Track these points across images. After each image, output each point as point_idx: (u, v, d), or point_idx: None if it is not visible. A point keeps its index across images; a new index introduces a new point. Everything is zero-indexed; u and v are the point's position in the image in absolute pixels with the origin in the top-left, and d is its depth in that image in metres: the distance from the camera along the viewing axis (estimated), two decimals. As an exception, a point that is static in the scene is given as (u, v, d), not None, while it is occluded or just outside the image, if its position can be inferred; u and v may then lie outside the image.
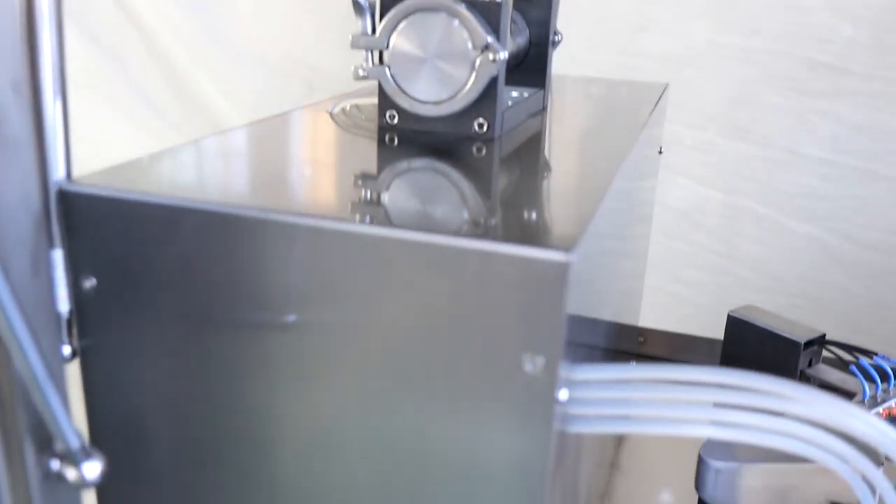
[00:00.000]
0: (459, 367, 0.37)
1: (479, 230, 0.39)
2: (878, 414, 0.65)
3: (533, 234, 0.40)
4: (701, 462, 0.59)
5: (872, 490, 0.43)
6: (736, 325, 0.73)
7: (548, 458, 0.37)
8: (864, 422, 0.38)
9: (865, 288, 1.26)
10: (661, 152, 0.90)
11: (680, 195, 1.33)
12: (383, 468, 0.41)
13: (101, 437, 0.45)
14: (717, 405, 0.38)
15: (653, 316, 1.05)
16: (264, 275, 0.40)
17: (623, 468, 0.92)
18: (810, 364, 0.71)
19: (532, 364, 0.35)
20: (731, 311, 0.74)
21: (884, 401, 0.65)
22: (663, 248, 1.27)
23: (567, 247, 0.34)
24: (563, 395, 0.36)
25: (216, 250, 0.40)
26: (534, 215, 0.43)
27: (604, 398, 0.39)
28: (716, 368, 0.38)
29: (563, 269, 0.34)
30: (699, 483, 0.59)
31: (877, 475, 0.43)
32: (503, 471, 0.38)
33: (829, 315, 1.24)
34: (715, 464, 0.57)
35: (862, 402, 0.64)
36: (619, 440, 0.95)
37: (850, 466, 0.42)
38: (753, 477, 0.56)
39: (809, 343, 0.69)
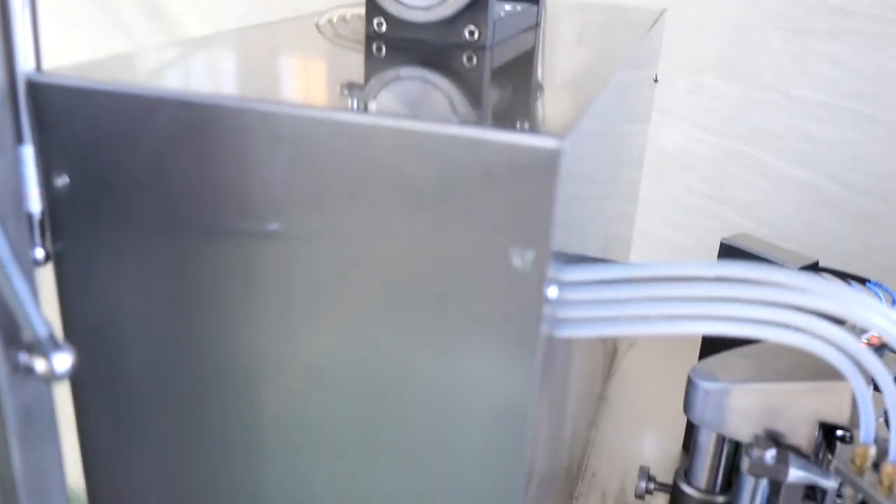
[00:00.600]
0: (447, 264, 0.36)
1: (468, 121, 0.38)
2: (867, 340, 0.64)
3: (524, 125, 0.39)
4: (690, 383, 0.58)
5: (869, 380, 0.42)
6: (728, 253, 0.72)
7: (536, 360, 0.36)
8: (867, 306, 0.38)
9: (858, 234, 1.26)
10: (656, 81, 0.88)
11: (672, 138, 1.31)
12: (368, 375, 0.40)
13: (76, 346, 0.44)
14: (714, 300, 0.37)
15: (642, 259, 1.05)
16: (244, 172, 0.38)
17: (611, 399, 0.92)
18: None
19: (520, 258, 0.34)
20: (724, 239, 0.73)
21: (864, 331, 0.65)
22: (654, 192, 1.26)
23: (559, 134, 0.32)
24: (551, 292, 0.35)
25: (194, 145, 0.38)
26: (525, 112, 0.42)
27: (595, 299, 0.38)
28: (711, 262, 0.37)
29: (554, 156, 0.32)
30: (688, 405, 0.58)
31: (876, 363, 0.42)
32: (490, 376, 0.37)
33: (820, 260, 1.24)
34: (704, 384, 0.57)
35: (853, 327, 0.63)
36: (608, 371, 0.95)
37: (849, 357, 0.41)
38: (742, 397, 0.55)
39: (802, 270, 0.68)
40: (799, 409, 0.54)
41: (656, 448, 0.65)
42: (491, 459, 0.39)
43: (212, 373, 0.43)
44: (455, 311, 0.37)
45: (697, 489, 0.62)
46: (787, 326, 0.40)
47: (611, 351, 1.01)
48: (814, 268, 0.70)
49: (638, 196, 1.00)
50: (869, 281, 0.67)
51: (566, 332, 0.39)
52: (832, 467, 0.48)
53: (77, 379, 0.45)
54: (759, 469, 0.52)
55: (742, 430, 0.55)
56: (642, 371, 0.96)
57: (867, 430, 0.46)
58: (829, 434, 0.53)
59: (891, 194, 1.25)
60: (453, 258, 0.35)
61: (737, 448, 0.59)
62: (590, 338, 0.41)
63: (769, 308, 0.38)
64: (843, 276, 0.68)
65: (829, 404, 0.53)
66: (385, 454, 0.42)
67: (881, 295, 0.67)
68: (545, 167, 0.32)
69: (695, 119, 1.31)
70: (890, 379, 0.43)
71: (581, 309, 0.39)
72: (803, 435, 0.54)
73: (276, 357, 0.41)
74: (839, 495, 0.51)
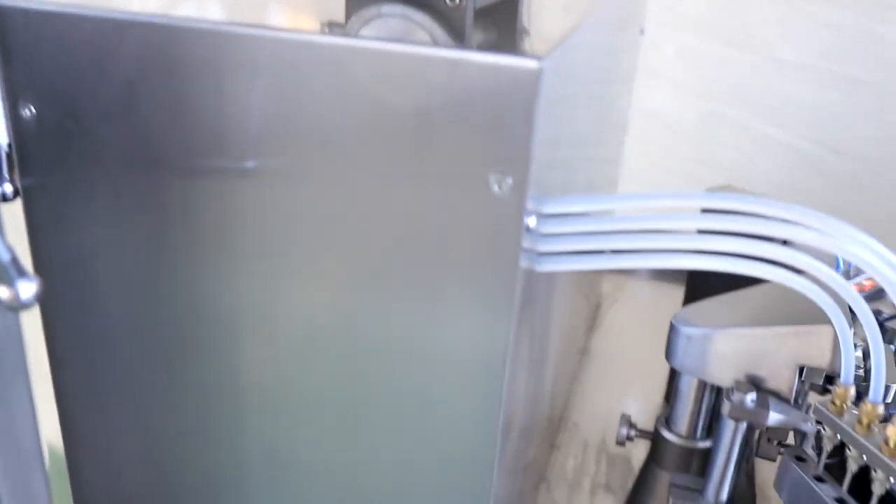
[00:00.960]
0: (425, 193, 0.35)
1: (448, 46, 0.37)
2: (860, 283, 0.64)
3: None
4: (672, 329, 0.58)
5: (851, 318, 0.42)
6: (711, 204, 0.71)
7: (515, 293, 0.35)
8: (856, 239, 0.37)
9: (840, 195, 1.26)
10: (642, 33, 0.87)
11: (656, 99, 1.31)
12: (343, 316, 0.39)
13: (48, 285, 0.43)
14: (701, 232, 0.36)
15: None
16: (220, 101, 0.37)
17: (594, 353, 0.92)
18: (785, 243, 0.70)
19: (499, 185, 0.33)
20: (709, 189, 0.73)
21: (857, 274, 0.64)
22: (637, 154, 1.26)
23: (539, 56, 0.32)
24: (531, 222, 0.34)
25: (166, 73, 0.37)
26: (508, 45, 0.41)
27: (577, 231, 0.38)
28: (697, 193, 0.36)
29: (534, 76, 0.31)
30: (669, 351, 0.58)
31: (857, 298, 0.42)
32: (469, 313, 0.37)
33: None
34: (686, 330, 0.57)
35: (847, 273, 0.63)
36: (592, 325, 0.95)
37: (830, 294, 0.41)
38: (724, 342, 0.55)
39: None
40: (780, 354, 0.54)
41: (638, 399, 0.65)
42: (469, 405, 0.39)
43: (186, 314, 0.42)
44: (433, 243, 0.36)
45: (678, 435, 0.62)
46: (770, 262, 0.39)
47: (594, 305, 1.01)
48: (797, 217, 0.70)
49: (621, 157, 0.99)
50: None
51: (547, 267, 0.39)
52: (812, 408, 0.48)
53: (49, 319, 0.44)
54: (739, 413, 0.52)
55: (723, 375, 0.55)
56: (625, 325, 0.96)
57: (847, 369, 0.46)
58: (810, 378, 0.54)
59: (873, 156, 1.25)
60: (431, 187, 0.35)
61: (717, 394, 0.59)
62: (571, 272, 0.40)
63: (754, 242, 0.38)
64: (826, 225, 0.68)
65: (809, 348, 0.52)
66: (363, 406, 0.41)
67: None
68: (525, 89, 0.32)
69: (679, 81, 1.30)
70: (871, 315, 0.43)
71: (562, 242, 0.38)
72: (784, 379, 0.54)
73: (250, 298, 0.41)
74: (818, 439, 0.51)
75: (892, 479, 0.43)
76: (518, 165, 0.33)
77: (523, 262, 0.35)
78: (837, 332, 0.45)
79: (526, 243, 0.35)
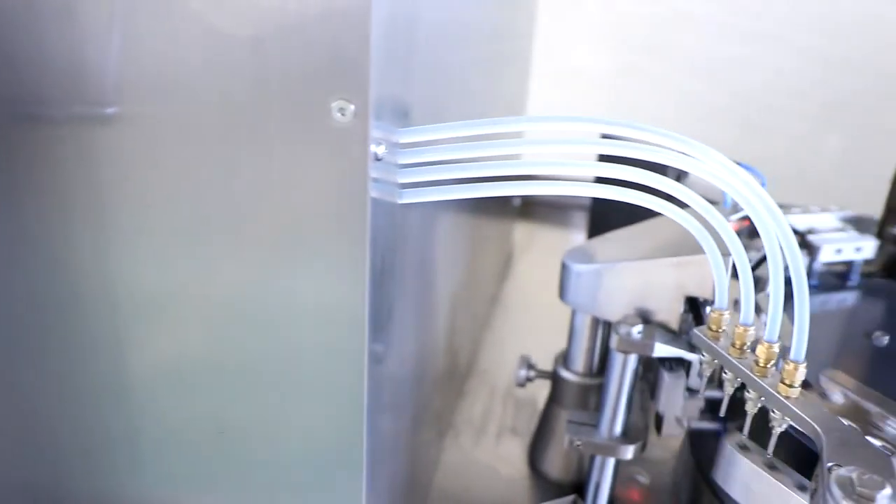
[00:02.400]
0: (269, 126, 0.33)
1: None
2: (739, 219, 0.65)
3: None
4: (563, 268, 0.58)
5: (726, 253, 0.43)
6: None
7: (366, 224, 0.34)
8: (731, 172, 0.37)
9: (754, 146, 1.28)
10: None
11: (575, 56, 1.31)
12: (192, 258, 0.38)
13: None
14: (562, 159, 0.36)
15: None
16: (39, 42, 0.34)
17: (505, 301, 0.92)
18: (679, 178, 0.71)
19: (342, 112, 0.32)
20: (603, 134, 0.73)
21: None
22: (558, 105, 1.26)
23: (374, -27, 0.30)
24: (379, 150, 0.33)
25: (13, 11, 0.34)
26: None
27: (438, 160, 0.37)
28: (564, 115, 0.35)
29: (367, -4, 0.30)
30: (562, 289, 0.58)
31: (725, 226, 0.42)
32: (324, 249, 0.35)
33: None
34: (576, 267, 0.57)
35: (724, 209, 0.64)
36: (503, 274, 0.95)
37: (700, 220, 0.41)
38: (612, 277, 0.55)
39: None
40: (665, 285, 0.54)
41: (547, 344, 0.65)
42: (334, 356, 0.38)
43: (32, 276, 0.40)
44: (282, 183, 0.34)
45: (575, 373, 0.62)
46: (649, 191, 0.39)
47: (506, 255, 1.01)
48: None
49: (526, 103, 0.99)
50: (741, 163, 0.67)
51: (410, 198, 0.38)
52: (691, 334, 0.48)
53: None
54: (626, 346, 0.53)
55: (613, 310, 0.56)
56: (536, 273, 0.97)
57: (720, 295, 0.46)
58: (695, 308, 0.54)
59: (782, 110, 1.27)
60: (275, 120, 0.33)
61: (610, 330, 0.59)
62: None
63: (610, 167, 0.38)
64: (717, 160, 0.69)
65: (692, 277, 0.53)
66: (229, 377, 0.40)
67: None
68: (358, 8, 0.30)
69: (598, 34, 1.30)
70: (738, 242, 0.43)
71: (424, 172, 0.37)
72: (671, 311, 0.55)
73: (96, 255, 0.39)
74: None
75: (762, 399, 0.44)
76: (359, 91, 0.32)
77: (375, 193, 0.34)
78: (709, 257, 0.45)
79: (376, 173, 0.34)
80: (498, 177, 0.38)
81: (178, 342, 0.40)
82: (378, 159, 0.33)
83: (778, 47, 1.25)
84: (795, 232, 0.72)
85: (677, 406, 0.52)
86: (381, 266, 0.37)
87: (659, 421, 0.54)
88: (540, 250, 1.03)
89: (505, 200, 0.94)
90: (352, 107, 0.32)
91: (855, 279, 0.69)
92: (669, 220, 0.44)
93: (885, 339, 0.59)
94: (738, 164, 0.67)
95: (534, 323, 0.79)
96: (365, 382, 0.38)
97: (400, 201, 0.38)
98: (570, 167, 0.38)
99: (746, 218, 0.68)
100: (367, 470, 0.40)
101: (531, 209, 1.14)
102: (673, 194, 0.41)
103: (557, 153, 0.38)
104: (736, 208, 0.65)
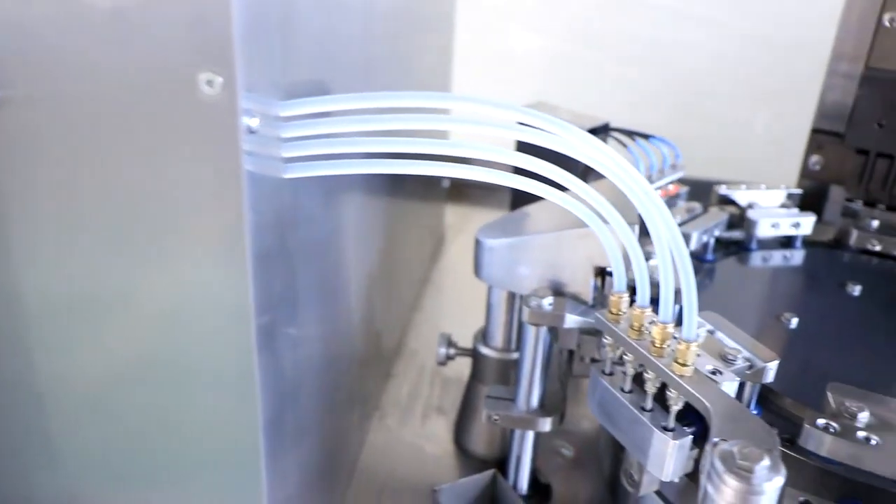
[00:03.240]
0: (137, 103, 0.33)
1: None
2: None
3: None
4: (477, 244, 0.58)
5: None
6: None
7: (240, 195, 0.33)
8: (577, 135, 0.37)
9: (685, 129, 1.30)
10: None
11: (508, 38, 1.31)
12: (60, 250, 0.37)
13: None
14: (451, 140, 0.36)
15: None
16: None
17: (436, 282, 0.92)
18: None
19: (209, 85, 0.31)
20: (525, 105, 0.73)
21: (660, 178, 0.66)
22: (488, 91, 1.26)
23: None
24: (253, 122, 0.33)
25: None
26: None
27: (324, 133, 0.36)
28: (466, 96, 0.35)
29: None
30: (477, 266, 0.58)
31: (610, 211, 0.42)
32: (201, 235, 0.35)
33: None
34: (488, 242, 0.57)
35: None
36: (434, 256, 0.95)
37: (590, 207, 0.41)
38: (523, 250, 0.56)
39: (593, 131, 0.69)
40: (575, 257, 0.54)
41: (475, 325, 0.65)
42: (221, 345, 0.37)
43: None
44: (155, 161, 0.34)
45: (494, 349, 0.63)
46: (537, 178, 0.39)
47: (437, 238, 1.01)
48: (605, 129, 0.71)
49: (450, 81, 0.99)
50: (653, 136, 0.68)
51: (295, 172, 0.37)
52: (593, 316, 0.49)
53: None
54: (537, 318, 0.53)
55: (526, 284, 0.56)
56: (469, 256, 0.97)
57: (618, 278, 0.47)
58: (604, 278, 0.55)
59: (718, 93, 1.28)
60: (141, 95, 0.32)
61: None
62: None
63: (518, 155, 0.38)
64: (630, 134, 0.70)
65: (599, 249, 0.53)
66: (128, 371, 0.39)
67: (665, 150, 0.68)
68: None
69: (531, 20, 1.30)
70: (625, 225, 0.43)
71: (308, 146, 0.37)
72: (582, 283, 0.55)
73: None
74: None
75: (659, 378, 0.44)
76: (225, 63, 0.31)
77: (251, 166, 0.33)
78: (602, 243, 0.46)
79: (251, 146, 0.33)
80: (395, 154, 0.38)
81: (73, 340, 0.39)
82: (252, 132, 0.33)
83: (714, 31, 1.26)
84: (737, 206, 0.73)
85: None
86: (269, 246, 0.37)
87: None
88: (473, 232, 1.03)
89: (430, 181, 0.93)
90: (219, 79, 0.31)
91: (796, 249, 0.72)
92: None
93: (794, 321, 0.61)
94: (653, 137, 0.68)
95: (464, 303, 0.79)
96: (255, 369, 0.37)
97: (285, 175, 0.37)
98: (464, 149, 0.38)
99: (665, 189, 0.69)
100: (267, 456, 0.40)
101: (464, 192, 1.14)
102: (555, 179, 0.41)
103: (439, 128, 0.38)
104: (650, 179, 0.66)
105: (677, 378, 0.42)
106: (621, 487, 0.60)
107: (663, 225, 0.41)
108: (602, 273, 0.55)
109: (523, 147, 0.39)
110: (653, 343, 0.44)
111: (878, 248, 0.71)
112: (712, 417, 0.40)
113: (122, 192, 0.35)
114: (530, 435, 0.59)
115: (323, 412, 0.52)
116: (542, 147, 0.38)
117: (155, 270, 0.36)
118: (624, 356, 0.46)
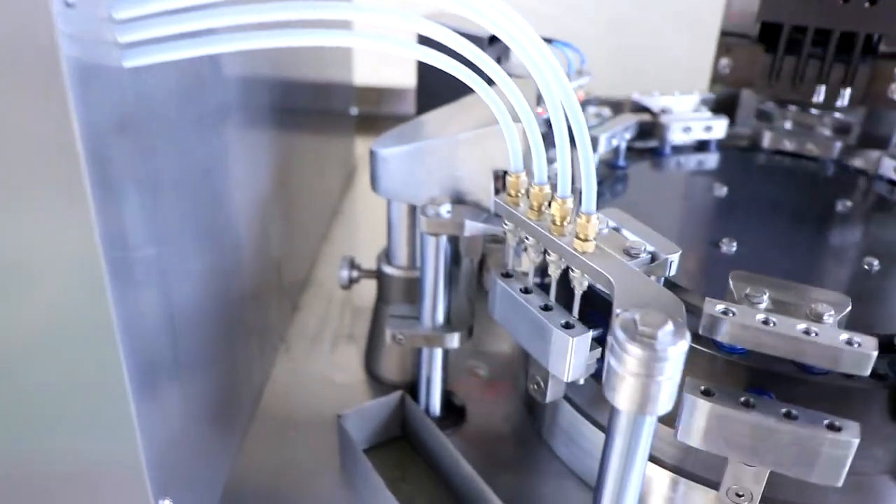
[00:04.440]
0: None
1: None
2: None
3: None
4: (372, 156, 0.54)
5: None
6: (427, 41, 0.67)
7: (63, 87, 0.29)
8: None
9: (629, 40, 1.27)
10: None
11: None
12: None
13: None
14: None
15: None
16: None
17: (346, 214, 0.89)
18: (499, 60, 0.68)
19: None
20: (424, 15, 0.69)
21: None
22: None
23: None
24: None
25: None
26: None
27: (164, 10, 0.32)
28: None
29: None
30: (373, 179, 0.55)
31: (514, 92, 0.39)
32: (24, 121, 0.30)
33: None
34: (382, 152, 0.53)
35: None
36: (344, 188, 0.91)
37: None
38: (419, 158, 0.52)
39: (494, 39, 0.65)
40: (471, 161, 0.51)
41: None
42: (75, 286, 0.33)
43: None
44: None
45: (398, 267, 0.60)
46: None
47: (349, 170, 0.97)
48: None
49: None
50: (556, 40, 0.65)
51: (135, 60, 0.33)
52: (492, 202, 0.46)
53: None
54: (436, 227, 0.50)
55: (426, 194, 0.53)
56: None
57: (514, 158, 0.44)
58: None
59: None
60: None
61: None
62: (160, 62, 0.34)
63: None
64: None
65: (497, 149, 0.50)
66: None
67: (569, 55, 0.65)
68: None
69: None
70: (527, 106, 0.40)
71: (145, 26, 0.33)
72: (482, 189, 0.52)
73: None
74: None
75: (562, 260, 0.42)
76: None
77: (73, 51, 0.29)
78: (501, 124, 0.42)
79: (71, 26, 0.29)
80: (265, 24, 0.34)
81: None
82: (69, 5, 0.29)
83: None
84: (650, 112, 0.71)
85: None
86: (112, 157, 0.33)
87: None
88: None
89: (335, 109, 0.89)
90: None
91: (711, 153, 0.71)
92: (480, 98, 0.41)
93: (709, 202, 0.59)
94: (556, 41, 0.65)
95: (376, 234, 0.75)
96: (111, 307, 0.33)
97: (125, 64, 0.33)
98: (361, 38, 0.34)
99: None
100: (137, 394, 0.36)
101: (375, 123, 1.09)
102: (451, 47, 0.38)
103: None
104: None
105: (579, 255, 0.40)
106: (537, 406, 0.59)
107: (556, 85, 0.38)
108: (504, 178, 0.52)
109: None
110: (553, 222, 0.42)
111: (791, 147, 0.70)
112: (615, 289, 0.38)
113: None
114: (438, 354, 0.56)
115: (213, 347, 0.48)
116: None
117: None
118: (526, 240, 0.44)
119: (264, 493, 0.52)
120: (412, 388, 0.59)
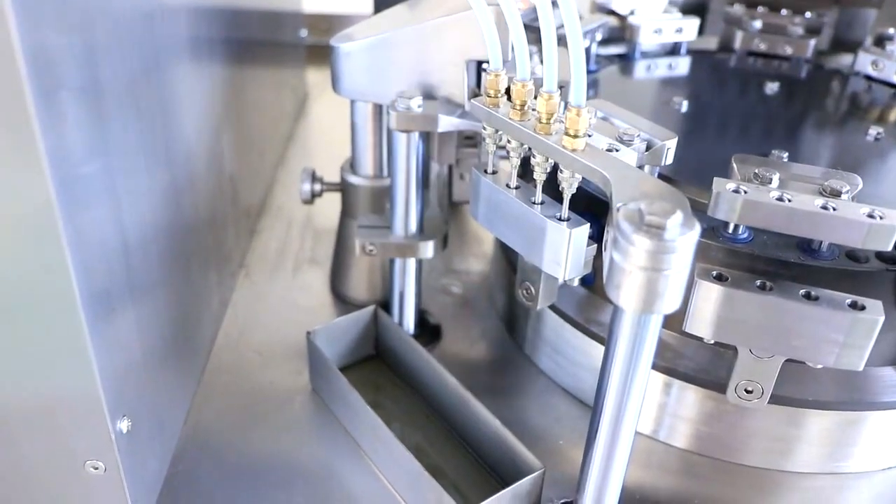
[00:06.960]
0: None
1: None
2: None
3: None
4: (332, 52, 0.50)
5: None
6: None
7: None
8: None
9: None
10: None
11: None
12: None
13: None
14: None
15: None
16: None
17: (300, 139, 0.84)
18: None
19: None
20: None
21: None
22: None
23: None
24: None
25: None
26: None
27: None
28: None
29: None
30: (334, 79, 0.51)
31: None
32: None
33: None
34: (343, 47, 0.49)
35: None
36: (296, 114, 0.86)
37: None
38: (385, 50, 0.48)
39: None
40: (443, 51, 0.47)
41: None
42: (23, 211, 0.30)
43: None
44: None
45: (364, 177, 0.56)
46: None
47: (301, 97, 0.92)
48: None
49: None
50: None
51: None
52: (468, 105, 0.42)
53: None
54: (407, 123, 0.46)
55: (393, 90, 0.49)
56: (334, 110, 0.89)
57: (493, 54, 0.40)
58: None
59: None
60: None
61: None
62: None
63: None
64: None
65: (472, 38, 0.47)
66: None
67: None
68: None
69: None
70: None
71: None
72: (455, 82, 0.48)
73: None
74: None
75: (549, 160, 0.38)
76: None
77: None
78: (478, 17, 0.38)
79: None
80: None
81: None
82: None
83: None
84: (617, 15, 0.67)
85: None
86: (55, 74, 0.28)
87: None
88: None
89: (284, 35, 0.84)
90: None
91: (681, 56, 0.68)
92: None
93: (684, 104, 0.57)
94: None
95: (332, 157, 0.71)
96: (61, 230, 0.30)
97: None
98: None
99: None
100: (92, 321, 0.33)
101: (327, 52, 1.04)
102: None
103: None
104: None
105: (569, 153, 0.36)
106: (519, 320, 0.55)
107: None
108: (478, 70, 0.48)
109: None
110: (539, 120, 0.38)
111: (762, 47, 0.67)
112: (612, 184, 0.34)
113: None
114: (412, 266, 0.52)
115: (169, 270, 0.43)
116: None
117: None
118: (508, 144, 0.40)
119: (232, 417, 0.48)
120: (384, 306, 0.55)
